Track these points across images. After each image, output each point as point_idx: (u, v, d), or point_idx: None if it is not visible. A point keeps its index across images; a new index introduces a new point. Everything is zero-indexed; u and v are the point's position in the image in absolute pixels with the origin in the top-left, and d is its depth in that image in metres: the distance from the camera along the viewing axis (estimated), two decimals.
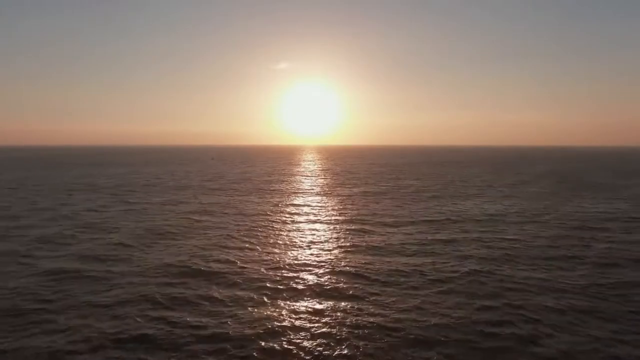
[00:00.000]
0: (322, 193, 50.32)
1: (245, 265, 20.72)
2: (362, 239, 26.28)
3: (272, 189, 55.13)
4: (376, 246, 24.59)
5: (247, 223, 31.44)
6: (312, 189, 54.51)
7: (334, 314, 15.05)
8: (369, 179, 69.59)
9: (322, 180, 68.72)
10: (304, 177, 74.49)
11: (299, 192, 50.93)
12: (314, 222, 32.41)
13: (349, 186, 57.96)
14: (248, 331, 13.73)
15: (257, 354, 12.42)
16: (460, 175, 77.73)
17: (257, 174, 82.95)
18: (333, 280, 18.49)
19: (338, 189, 55.23)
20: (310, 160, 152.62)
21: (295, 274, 19.28)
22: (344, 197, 46.24)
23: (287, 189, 55.30)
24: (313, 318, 14.78)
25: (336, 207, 39.16)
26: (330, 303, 16.05)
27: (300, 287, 17.78)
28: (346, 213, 35.87)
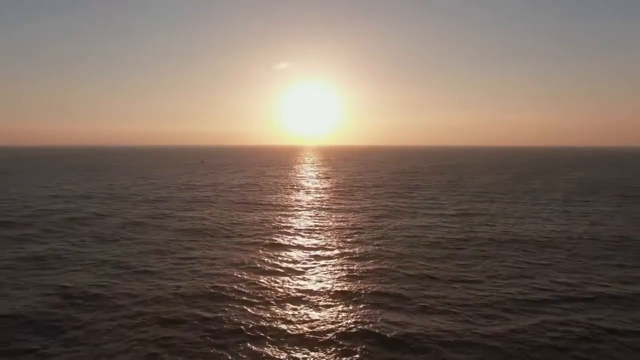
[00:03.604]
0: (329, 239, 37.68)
1: None
2: None
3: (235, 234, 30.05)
4: None
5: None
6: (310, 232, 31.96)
7: None
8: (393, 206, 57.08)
9: (327, 203, 55.81)
10: (300, 199, 61.37)
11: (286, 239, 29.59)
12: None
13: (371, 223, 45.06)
14: None
15: None
16: (489, 186, 65.33)
17: (238, 186, 70.40)
18: None
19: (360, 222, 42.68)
20: (310, 163, 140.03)
21: None
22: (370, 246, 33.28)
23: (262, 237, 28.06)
24: None
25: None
26: None
27: None
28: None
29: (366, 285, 18.72)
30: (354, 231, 30.31)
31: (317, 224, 33.33)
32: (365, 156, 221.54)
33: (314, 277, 19.97)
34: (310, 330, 14.53)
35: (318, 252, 24.51)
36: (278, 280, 19.50)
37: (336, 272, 20.78)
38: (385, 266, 21.66)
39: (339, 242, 27.07)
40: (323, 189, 59.86)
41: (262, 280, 19.44)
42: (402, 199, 48.27)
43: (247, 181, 71.08)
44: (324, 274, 20.50)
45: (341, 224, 33.26)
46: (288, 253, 24.46)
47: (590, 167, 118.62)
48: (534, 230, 30.51)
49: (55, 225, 32.28)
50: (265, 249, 25.40)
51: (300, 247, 25.96)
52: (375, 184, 66.78)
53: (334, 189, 58.87)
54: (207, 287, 18.48)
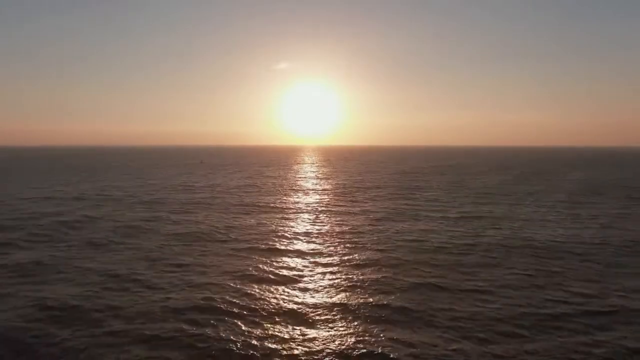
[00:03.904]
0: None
1: None
2: None
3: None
4: None
5: None
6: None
7: None
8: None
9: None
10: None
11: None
12: None
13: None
14: None
15: None
16: (492, 187, 64.07)
17: (236, 187, 69.15)
18: None
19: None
20: (310, 164, 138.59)
21: None
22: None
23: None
24: None
25: None
26: None
27: None
28: None
29: (368, 297, 17.49)
30: (354, 235, 29.08)
31: (316, 227, 32.11)
32: (365, 156, 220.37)
33: (311, 288, 18.74)
34: (306, 350, 13.31)
35: (316, 259, 23.29)
36: (273, 291, 18.28)
37: (335, 281, 19.56)
38: (387, 274, 20.44)
39: (338, 247, 25.86)
40: (322, 190, 58.66)
41: (256, 291, 18.22)
42: (403, 200, 47.06)
43: (246, 182, 69.89)
44: (322, 284, 19.28)
45: (341, 227, 32.03)
46: (284, 259, 23.24)
47: (591, 167, 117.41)
48: (542, 235, 29.29)
49: (43, 229, 31.05)
50: (260, 255, 24.17)
51: (297, 253, 24.73)
52: (376, 185, 65.56)
53: (333, 191, 57.67)
54: (197, 298, 17.26)
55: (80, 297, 17.36)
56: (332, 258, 23.46)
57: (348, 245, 26.40)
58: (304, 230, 31.19)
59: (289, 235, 29.26)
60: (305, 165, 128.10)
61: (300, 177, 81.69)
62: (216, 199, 48.19)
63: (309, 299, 17.39)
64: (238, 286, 18.79)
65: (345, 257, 23.51)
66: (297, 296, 17.69)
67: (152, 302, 16.86)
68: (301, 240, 27.94)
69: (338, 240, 27.83)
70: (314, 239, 28.10)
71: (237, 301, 17.05)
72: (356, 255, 23.98)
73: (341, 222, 34.05)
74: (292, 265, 22.25)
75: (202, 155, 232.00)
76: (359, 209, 41.27)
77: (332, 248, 25.71)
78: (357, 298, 17.36)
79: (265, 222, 34.37)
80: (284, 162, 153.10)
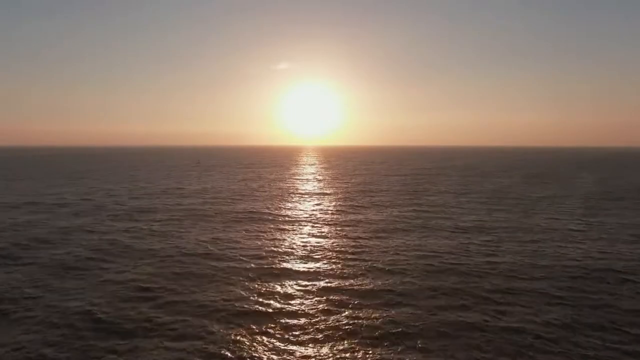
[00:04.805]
0: None
1: None
2: None
3: None
4: None
5: None
6: None
7: None
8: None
9: None
10: None
11: None
12: None
13: None
14: None
15: None
16: (500, 190, 60.43)
17: (229, 191, 65.48)
18: None
19: None
20: (310, 164, 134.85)
21: None
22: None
23: None
24: None
25: None
26: None
27: None
28: None
29: (377, 345, 13.87)
30: (357, 252, 25.42)
31: (312, 241, 28.46)
32: (366, 156, 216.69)
33: (300, 328, 15.07)
34: None
35: (310, 283, 19.64)
36: (253, 331, 14.64)
37: (332, 319, 15.90)
38: (398, 308, 16.81)
39: (336, 267, 22.23)
40: (321, 194, 54.99)
41: (232, 332, 14.57)
42: (409, 207, 43.38)
43: (240, 185, 66.25)
44: (316, 323, 15.55)
45: (340, 241, 28.38)
46: (271, 284, 19.57)
47: (598, 168, 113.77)
48: (569, 249, 25.67)
49: (5, 242, 27.46)
50: (244, 278, 20.52)
51: (287, 275, 20.98)
52: (379, 188, 61.93)
53: (333, 195, 54.00)
54: (158, 346, 13.63)
55: (10, 345, 13.75)
56: (328, 282, 19.84)
57: (349, 265, 22.76)
58: (298, 244, 27.56)
59: (280, 251, 25.63)
60: (304, 167, 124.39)
61: (298, 180, 78.02)
62: (206, 205, 44.60)
63: (297, 347, 13.76)
64: (212, 325, 15.16)
65: (345, 282, 19.88)
66: (281, 339, 14.06)
67: (100, 350, 13.24)
68: (294, 257, 24.32)
69: (336, 258, 24.17)
70: (309, 256, 24.48)
71: (208, 347, 13.43)
72: (359, 279, 20.36)
73: (341, 234, 30.42)
74: (281, 291, 18.62)
75: (201, 155, 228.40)
76: (361, 216, 37.67)
77: (328, 268, 22.10)
78: (361, 346, 13.74)
79: (256, 233, 30.76)
80: (283, 163, 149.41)
